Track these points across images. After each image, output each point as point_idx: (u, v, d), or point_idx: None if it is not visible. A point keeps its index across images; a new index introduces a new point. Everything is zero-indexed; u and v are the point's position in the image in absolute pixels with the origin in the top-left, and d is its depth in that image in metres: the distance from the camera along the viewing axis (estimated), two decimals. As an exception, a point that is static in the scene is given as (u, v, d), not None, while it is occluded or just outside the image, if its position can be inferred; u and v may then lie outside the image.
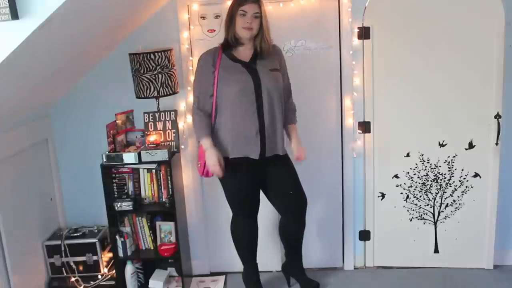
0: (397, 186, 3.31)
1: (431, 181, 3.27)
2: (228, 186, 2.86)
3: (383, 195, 3.33)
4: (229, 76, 2.67)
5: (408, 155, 3.24)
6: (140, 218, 3.17)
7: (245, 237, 2.99)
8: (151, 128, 3.17)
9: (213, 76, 2.68)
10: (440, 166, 3.24)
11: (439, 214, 3.32)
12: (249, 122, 2.66)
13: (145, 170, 3.15)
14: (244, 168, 2.76)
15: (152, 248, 3.21)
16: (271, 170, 2.81)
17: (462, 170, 3.22)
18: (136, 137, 3.23)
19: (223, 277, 3.42)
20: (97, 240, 3.17)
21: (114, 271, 3.20)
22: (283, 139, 2.79)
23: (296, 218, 2.95)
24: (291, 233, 3.01)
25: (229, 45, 2.71)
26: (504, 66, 3.02)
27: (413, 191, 3.30)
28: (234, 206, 2.93)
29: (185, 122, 3.24)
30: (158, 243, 3.18)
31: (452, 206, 3.29)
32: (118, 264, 3.15)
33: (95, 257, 3.18)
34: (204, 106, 2.74)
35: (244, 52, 2.72)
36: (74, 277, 3.18)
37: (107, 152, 3.02)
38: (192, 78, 3.17)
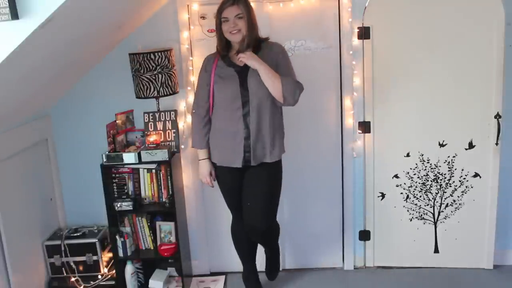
0: (397, 186, 3.31)
1: (431, 181, 3.27)
2: (221, 190, 2.87)
3: (383, 195, 3.33)
4: (221, 81, 2.65)
5: (408, 155, 3.24)
6: (140, 218, 3.17)
7: (243, 238, 2.99)
8: (151, 128, 3.17)
9: (209, 81, 2.68)
10: (440, 166, 3.24)
11: (439, 214, 3.32)
12: (235, 129, 2.64)
13: (145, 170, 3.14)
14: (233, 173, 2.73)
15: (152, 248, 3.21)
16: (248, 174, 2.73)
17: (462, 170, 3.22)
18: (136, 137, 3.23)
19: (223, 277, 3.42)
20: (97, 240, 3.16)
21: (114, 271, 3.20)
22: (273, 147, 2.67)
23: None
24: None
25: (227, 49, 2.67)
26: (504, 66, 3.02)
27: (413, 191, 3.30)
28: (230, 208, 2.93)
29: (185, 122, 3.24)
30: (158, 243, 3.18)
31: (452, 206, 3.29)
32: (118, 264, 3.15)
33: (95, 257, 3.18)
34: (199, 111, 2.75)
35: None
36: (74, 277, 3.18)
37: (107, 152, 3.02)
38: (192, 78, 3.18)
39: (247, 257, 3.06)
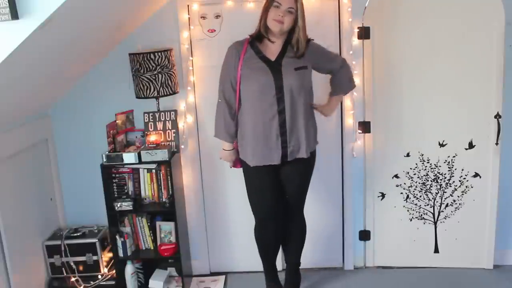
0: (397, 186, 3.31)
1: (431, 181, 3.27)
2: (253, 190, 2.79)
3: (383, 195, 3.33)
4: (250, 73, 2.58)
5: (408, 155, 3.24)
6: (140, 218, 3.17)
7: (271, 244, 2.97)
8: (151, 128, 3.17)
9: (236, 70, 2.61)
10: (440, 166, 3.24)
11: (439, 214, 3.32)
12: (269, 126, 2.59)
13: (145, 170, 3.14)
14: (269, 170, 2.69)
15: (152, 248, 3.21)
16: (284, 170, 2.73)
17: (462, 170, 3.22)
18: (136, 137, 3.23)
19: (223, 277, 3.42)
20: (97, 240, 3.16)
21: (114, 271, 3.20)
22: (308, 142, 2.68)
23: (290, 218, 2.87)
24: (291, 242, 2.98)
25: (259, 37, 2.61)
26: (504, 66, 3.02)
27: (413, 191, 3.30)
28: (257, 210, 2.83)
29: (185, 122, 3.24)
30: (158, 243, 3.18)
31: (452, 206, 3.29)
32: (118, 264, 3.15)
33: (95, 257, 3.18)
34: (227, 99, 2.66)
35: (272, 48, 2.61)
36: (74, 277, 3.18)
37: (107, 152, 3.02)
38: (192, 78, 3.17)
39: (271, 269, 3.03)
